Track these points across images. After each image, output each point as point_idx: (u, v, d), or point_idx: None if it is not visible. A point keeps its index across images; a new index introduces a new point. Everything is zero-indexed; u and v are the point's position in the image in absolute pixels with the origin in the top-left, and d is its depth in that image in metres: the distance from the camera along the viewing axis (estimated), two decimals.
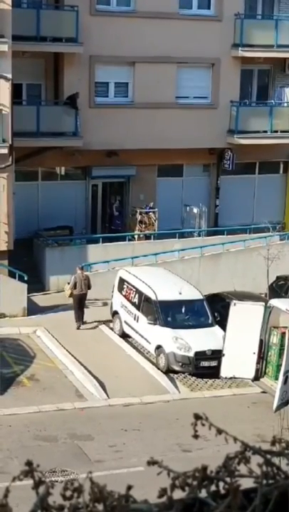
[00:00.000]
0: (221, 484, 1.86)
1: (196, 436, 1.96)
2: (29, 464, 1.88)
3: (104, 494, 1.75)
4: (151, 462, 1.98)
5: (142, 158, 27.74)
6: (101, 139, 26.86)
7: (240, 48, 28.33)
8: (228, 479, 1.80)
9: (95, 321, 23.55)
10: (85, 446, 16.33)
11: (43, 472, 1.91)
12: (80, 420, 17.63)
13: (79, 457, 15.78)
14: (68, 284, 23.39)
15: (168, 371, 20.40)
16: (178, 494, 1.96)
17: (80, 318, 23.14)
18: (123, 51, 26.97)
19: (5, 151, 23.65)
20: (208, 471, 1.88)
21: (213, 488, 1.85)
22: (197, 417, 1.90)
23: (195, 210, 29.25)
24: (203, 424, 1.92)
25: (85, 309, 23.75)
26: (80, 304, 23.07)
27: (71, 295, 23.16)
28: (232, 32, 28.33)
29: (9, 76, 23.54)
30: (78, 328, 22.96)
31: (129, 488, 1.89)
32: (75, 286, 23.02)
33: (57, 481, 2.01)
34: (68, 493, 1.80)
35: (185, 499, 1.79)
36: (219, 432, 1.90)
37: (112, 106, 27.59)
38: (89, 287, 23.20)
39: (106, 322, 23.48)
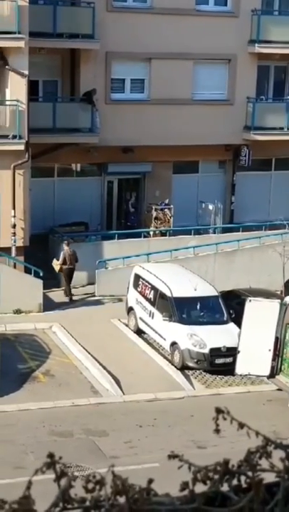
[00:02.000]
0: (243, 478, 1.86)
1: (217, 431, 1.96)
2: (51, 456, 1.89)
3: (126, 487, 1.75)
4: (172, 456, 1.99)
5: (157, 154, 27.73)
6: (117, 135, 26.87)
7: (256, 44, 28.24)
8: (250, 473, 1.80)
9: (84, 294, 25.11)
10: (100, 442, 16.37)
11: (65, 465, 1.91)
12: (95, 416, 17.67)
13: (94, 453, 15.82)
14: (55, 260, 24.57)
15: (183, 368, 20.40)
16: (199, 488, 1.97)
17: (70, 291, 24.63)
18: (139, 47, 26.95)
19: (21, 147, 23.72)
20: (229, 465, 1.88)
21: (234, 482, 1.85)
22: (218, 410, 1.90)
23: (210, 207, 29.20)
24: (224, 418, 1.92)
25: (100, 305, 24.09)
26: (69, 277, 24.44)
27: (60, 270, 24.43)
28: (249, 28, 28.25)
29: (26, 72, 23.60)
30: (71, 299, 24.56)
31: (150, 481, 1.90)
32: (64, 262, 24.25)
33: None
34: (90, 486, 1.81)
35: (207, 493, 1.79)
36: (241, 426, 1.90)
37: (128, 102, 27.58)
38: (76, 261, 24.48)
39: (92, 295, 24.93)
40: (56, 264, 24.55)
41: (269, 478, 1.91)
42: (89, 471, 14.14)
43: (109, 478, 1.89)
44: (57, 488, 1.94)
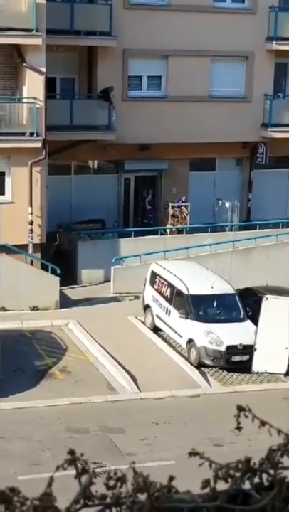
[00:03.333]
0: (265, 476, 1.85)
1: (239, 428, 1.95)
2: (72, 452, 1.88)
3: (147, 484, 1.74)
4: (193, 453, 1.98)
5: (174, 152, 27.69)
6: (134, 132, 26.86)
7: (274, 41, 28.13)
8: (272, 471, 1.79)
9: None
10: (116, 439, 16.39)
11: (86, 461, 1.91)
12: (112, 413, 17.69)
13: (110, 450, 15.85)
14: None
15: (199, 365, 20.38)
16: (219, 486, 1.96)
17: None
18: (156, 44, 26.92)
19: (38, 144, 23.76)
20: (250, 463, 1.87)
21: (256, 480, 1.84)
22: (240, 408, 1.89)
23: (227, 204, 29.13)
24: (246, 416, 1.91)
25: (117, 302, 24.22)
26: (58, 257, 25.11)
27: (55, 252, 25.18)
28: (266, 25, 28.13)
29: (43, 70, 23.64)
30: None
31: (171, 478, 1.89)
32: (59, 245, 25.42)
33: None
34: (112, 483, 1.80)
35: (229, 491, 1.79)
36: (263, 424, 1.89)
37: (145, 99, 27.56)
38: (69, 244, 25.73)
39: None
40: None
41: None
42: (106, 467, 14.17)
43: (130, 476, 1.88)
44: (76, 484, 1.94)
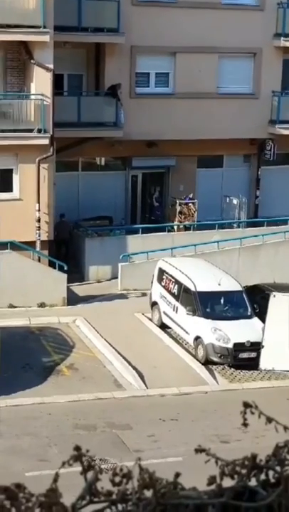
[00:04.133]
0: (271, 473, 1.84)
1: (245, 425, 1.95)
2: (78, 448, 1.88)
3: (153, 481, 1.74)
4: (199, 450, 1.97)
5: (181, 148, 27.66)
6: (141, 129, 26.84)
7: (282, 38, 28.06)
8: (278, 468, 1.79)
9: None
10: (123, 436, 16.40)
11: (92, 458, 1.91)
12: (119, 410, 17.71)
13: (118, 446, 15.86)
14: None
15: (206, 362, 20.37)
16: (226, 482, 1.95)
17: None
18: (164, 41, 26.89)
19: (46, 141, 23.77)
20: (257, 460, 1.86)
21: (262, 477, 1.83)
22: (246, 405, 1.89)
23: (235, 201, 29.09)
24: (252, 413, 1.91)
25: (124, 299, 24.27)
26: (58, 248, 25.63)
27: (54, 241, 25.38)
28: (274, 21, 28.07)
29: (51, 66, 23.64)
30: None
31: (177, 475, 1.89)
32: (57, 234, 25.54)
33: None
34: (117, 479, 1.80)
35: (235, 487, 1.78)
36: (269, 420, 1.88)
37: (152, 96, 27.54)
38: (70, 234, 26.19)
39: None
40: None
41: None
42: (113, 464, 14.18)
43: (136, 472, 1.88)
44: (82, 480, 1.94)
